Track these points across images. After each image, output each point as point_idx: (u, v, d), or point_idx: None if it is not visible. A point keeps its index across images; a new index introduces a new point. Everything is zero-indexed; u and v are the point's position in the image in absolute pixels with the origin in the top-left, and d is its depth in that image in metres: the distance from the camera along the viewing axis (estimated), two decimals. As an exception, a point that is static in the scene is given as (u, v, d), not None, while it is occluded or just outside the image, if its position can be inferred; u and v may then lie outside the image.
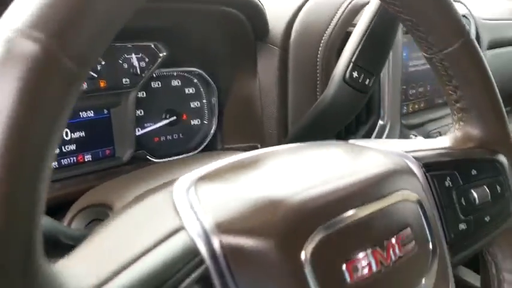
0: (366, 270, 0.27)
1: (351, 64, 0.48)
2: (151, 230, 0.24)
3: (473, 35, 0.64)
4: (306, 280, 0.25)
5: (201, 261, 0.23)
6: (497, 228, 0.40)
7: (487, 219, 0.38)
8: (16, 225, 0.17)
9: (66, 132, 0.54)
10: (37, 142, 0.17)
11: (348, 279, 0.26)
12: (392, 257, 0.29)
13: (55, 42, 0.18)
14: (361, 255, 0.27)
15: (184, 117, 0.65)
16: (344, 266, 0.26)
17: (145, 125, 0.61)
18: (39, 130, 0.17)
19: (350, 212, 0.28)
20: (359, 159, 0.34)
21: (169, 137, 0.64)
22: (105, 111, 0.57)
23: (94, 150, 0.57)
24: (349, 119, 0.55)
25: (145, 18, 0.53)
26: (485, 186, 0.39)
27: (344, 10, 0.60)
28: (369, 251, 0.28)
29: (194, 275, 0.23)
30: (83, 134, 0.55)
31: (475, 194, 0.38)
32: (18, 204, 0.17)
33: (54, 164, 0.53)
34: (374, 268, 0.27)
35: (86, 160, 0.56)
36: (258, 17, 0.58)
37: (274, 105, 0.63)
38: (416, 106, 0.82)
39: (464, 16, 0.91)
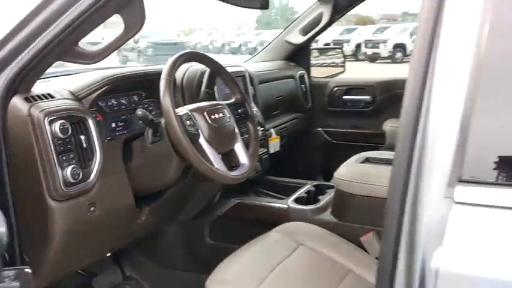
0: (216, 117, 1.59)
1: (205, 85, 1.83)
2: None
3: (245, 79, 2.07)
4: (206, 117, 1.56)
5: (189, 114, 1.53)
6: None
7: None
8: None
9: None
10: None
11: (212, 117, 1.58)
12: (218, 116, 1.60)
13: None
14: (202, 114, 1.59)
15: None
16: (212, 116, 1.58)
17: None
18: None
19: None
20: None
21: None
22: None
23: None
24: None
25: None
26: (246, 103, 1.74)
27: (204, 72, 1.93)
28: (216, 114, 1.59)
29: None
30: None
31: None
32: None
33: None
34: (217, 117, 1.59)
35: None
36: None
37: None
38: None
39: (242, 71, 2.32)
